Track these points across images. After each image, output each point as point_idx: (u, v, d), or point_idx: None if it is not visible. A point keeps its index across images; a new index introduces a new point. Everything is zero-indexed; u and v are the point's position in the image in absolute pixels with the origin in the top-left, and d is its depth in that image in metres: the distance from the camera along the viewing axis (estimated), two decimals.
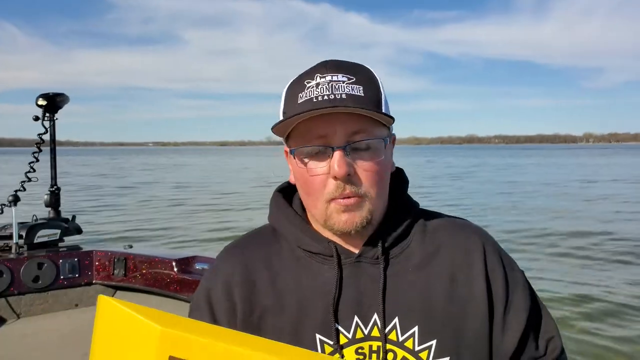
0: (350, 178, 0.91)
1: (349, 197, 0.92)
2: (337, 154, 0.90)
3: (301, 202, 1.05)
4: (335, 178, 0.91)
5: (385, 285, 0.95)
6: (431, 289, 0.96)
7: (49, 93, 3.07)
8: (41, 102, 3.04)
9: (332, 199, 0.93)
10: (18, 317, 3.07)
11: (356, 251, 0.99)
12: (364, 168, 0.92)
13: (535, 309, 1.03)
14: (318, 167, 0.93)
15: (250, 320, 0.98)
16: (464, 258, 1.00)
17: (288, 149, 0.99)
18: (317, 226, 1.02)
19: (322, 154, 0.92)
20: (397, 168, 1.07)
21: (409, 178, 1.10)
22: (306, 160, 0.94)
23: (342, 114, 0.90)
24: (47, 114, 3.14)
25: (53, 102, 3.07)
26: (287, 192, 1.10)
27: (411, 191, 1.10)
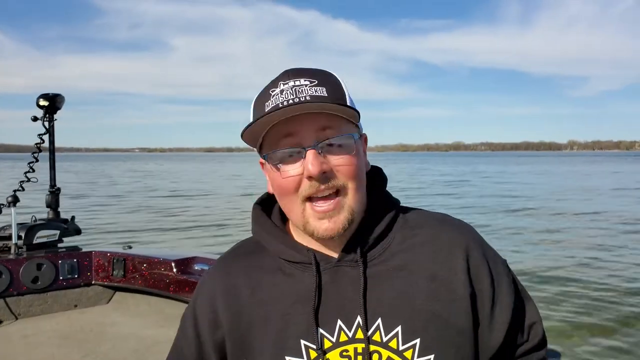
0: (325, 176, 0.93)
1: (326, 200, 0.94)
2: (310, 154, 0.92)
3: (280, 213, 1.08)
4: (310, 178, 0.92)
5: (365, 287, 0.96)
6: (412, 288, 0.97)
7: (48, 94, 3.08)
8: (43, 102, 3.05)
9: (308, 199, 0.95)
10: (17, 317, 3.06)
11: (335, 255, 1.00)
12: (337, 163, 0.94)
13: (520, 299, 1.06)
14: (291, 169, 0.95)
15: (238, 331, 1.01)
16: (445, 256, 1.00)
17: (262, 158, 1.01)
18: (296, 234, 1.05)
19: (295, 156, 0.94)
20: (374, 167, 1.09)
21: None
22: (279, 164, 0.96)
23: (311, 115, 0.92)
24: (47, 115, 3.14)
25: (54, 103, 3.08)
26: (267, 204, 1.12)
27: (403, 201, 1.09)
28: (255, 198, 1.13)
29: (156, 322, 3.09)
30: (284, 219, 1.08)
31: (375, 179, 1.07)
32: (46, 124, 3.19)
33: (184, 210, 17.92)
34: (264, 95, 0.98)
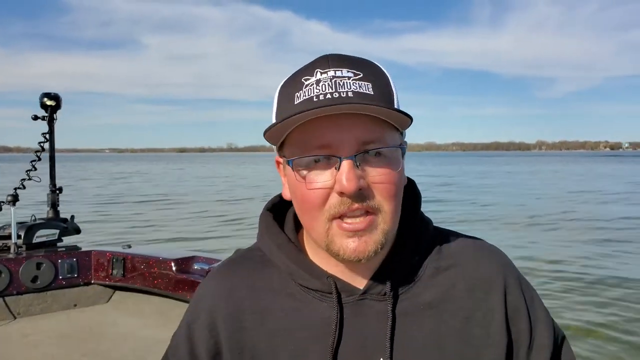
0: (360, 193, 0.76)
1: (356, 218, 0.78)
2: (346, 166, 0.75)
3: (294, 224, 0.93)
4: (341, 194, 0.76)
5: (393, 327, 0.84)
6: (443, 328, 0.85)
7: (50, 93, 3.07)
8: (49, 102, 3.04)
9: (336, 217, 0.78)
10: (16, 317, 3.06)
11: (360, 286, 0.86)
12: (377, 180, 0.78)
13: (556, 339, 0.94)
14: (319, 179, 0.78)
15: None
16: (482, 294, 0.89)
17: (281, 159, 0.85)
18: (313, 254, 0.89)
19: (325, 163, 0.78)
20: (408, 179, 0.92)
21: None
22: (305, 172, 0.79)
23: (350, 116, 0.75)
24: (47, 114, 3.14)
25: (58, 102, 3.09)
26: (278, 209, 0.96)
27: None
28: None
29: (155, 321, 3.11)
30: (297, 227, 0.93)
31: (408, 194, 0.91)
32: (45, 123, 3.18)
33: (182, 209, 17.72)
34: (295, 83, 0.80)
